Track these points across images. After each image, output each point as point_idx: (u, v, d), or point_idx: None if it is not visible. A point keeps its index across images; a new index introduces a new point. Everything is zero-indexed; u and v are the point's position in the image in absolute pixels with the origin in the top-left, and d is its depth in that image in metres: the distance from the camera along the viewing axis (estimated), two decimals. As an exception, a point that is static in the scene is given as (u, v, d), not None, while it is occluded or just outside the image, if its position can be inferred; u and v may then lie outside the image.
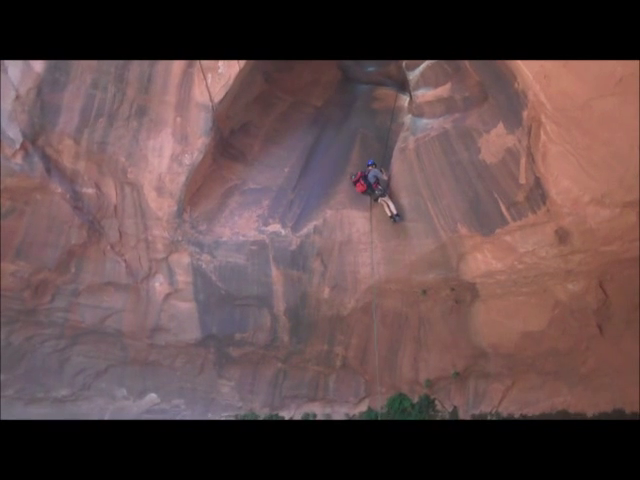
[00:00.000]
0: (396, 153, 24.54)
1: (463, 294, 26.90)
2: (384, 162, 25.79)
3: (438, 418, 30.62)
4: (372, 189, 24.73)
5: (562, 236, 22.16)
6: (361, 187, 24.87)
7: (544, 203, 21.40)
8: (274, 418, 32.55)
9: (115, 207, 27.30)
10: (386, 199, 24.90)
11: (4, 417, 30.70)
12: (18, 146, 24.61)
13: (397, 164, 24.48)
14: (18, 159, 24.73)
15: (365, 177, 24.72)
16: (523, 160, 20.96)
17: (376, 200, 25.22)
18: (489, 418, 29.21)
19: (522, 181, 21.37)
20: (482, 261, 24.69)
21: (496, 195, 22.36)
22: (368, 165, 25.07)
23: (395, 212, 24.91)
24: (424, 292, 27.42)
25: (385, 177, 24.85)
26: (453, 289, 27.00)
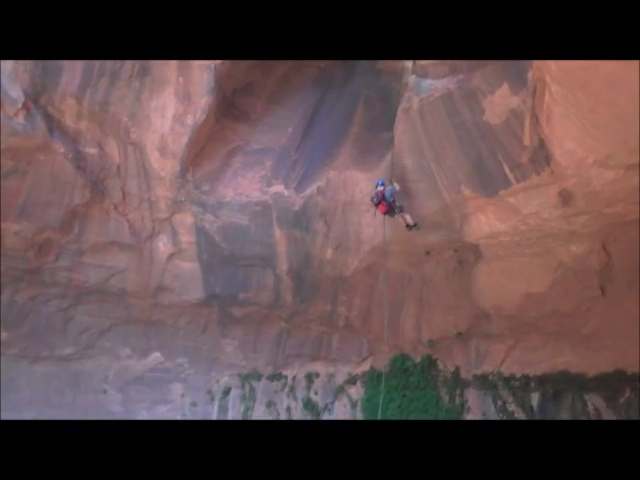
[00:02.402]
0: (400, 114, 24.28)
1: (466, 255, 26.92)
2: (389, 123, 25.63)
3: (440, 378, 30.84)
4: (392, 208, 24.43)
5: (566, 198, 22.05)
6: (383, 208, 24.37)
7: (548, 165, 21.23)
8: (277, 377, 32.83)
9: (118, 167, 27.20)
10: (404, 213, 24.74)
11: (10, 375, 31.03)
12: (20, 106, 24.47)
13: (401, 125, 24.24)
14: (20, 119, 24.62)
15: (384, 197, 24.31)
16: (527, 121, 20.75)
17: (393, 216, 25.01)
18: (491, 378, 29.42)
19: (526, 142, 21.18)
20: (485, 222, 24.61)
21: (500, 156, 22.19)
22: (378, 186, 24.41)
23: (412, 222, 24.80)
24: (427, 253, 27.43)
25: (398, 188, 24.50)
26: (456, 250, 27.01)
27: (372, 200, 24.30)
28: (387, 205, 24.15)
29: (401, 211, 24.47)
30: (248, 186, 27.67)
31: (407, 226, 24.93)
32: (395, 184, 24.15)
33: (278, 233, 27.99)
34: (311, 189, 27.04)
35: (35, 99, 24.99)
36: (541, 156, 21.15)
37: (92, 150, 26.58)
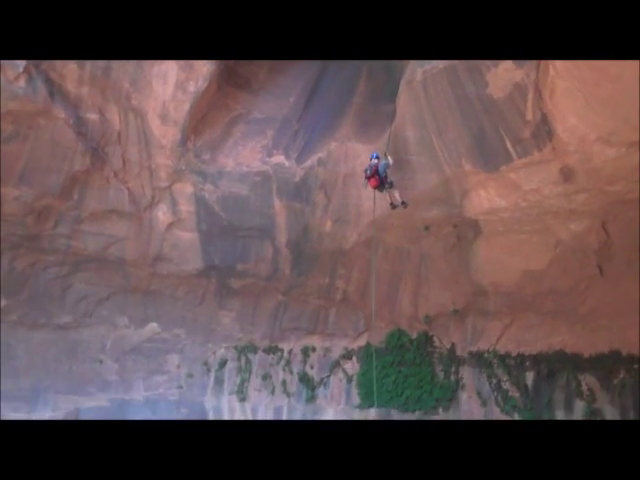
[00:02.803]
0: (403, 85, 24.14)
1: (465, 231, 26.92)
2: (392, 94, 25.52)
3: (436, 354, 30.92)
4: (383, 182, 24.19)
5: (567, 174, 22.03)
6: (375, 182, 24.01)
7: (550, 140, 21.18)
8: (273, 350, 32.90)
9: (119, 134, 27.05)
10: (393, 190, 24.51)
11: (8, 341, 31.08)
12: (21, 69, 24.27)
13: (403, 97, 24.11)
14: (21, 82, 24.46)
15: (377, 170, 23.99)
16: (530, 96, 20.66)
17: (382, 191, 24.77)
18: (486, 356, 29.50)
19: (529, 117, 21.11)
20: (485, 198, 24.59)
21: (502, 131, 22.10)
22: (372, 158, 23.94)
23: (400, 201, 24.59)
24: (426, 228, 27.44)
25: (391, 162, 24.19)
26: (455, 226, 27.00)
27: (365, 172, 24.02)
28: (379, 179, 23.91)
29: (391, 187, 24.19)
30: (249, 156, 27.59)
31: (392, 204, 24.73)
32: (389, 157, 23.80)
33: (278, 204, 27.96)
34: (312, 160, 26.96)
35: (36, 63, 24.79)
36: (543, 131, 21.11)
37: (93, 116, 26.42)
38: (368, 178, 23.90)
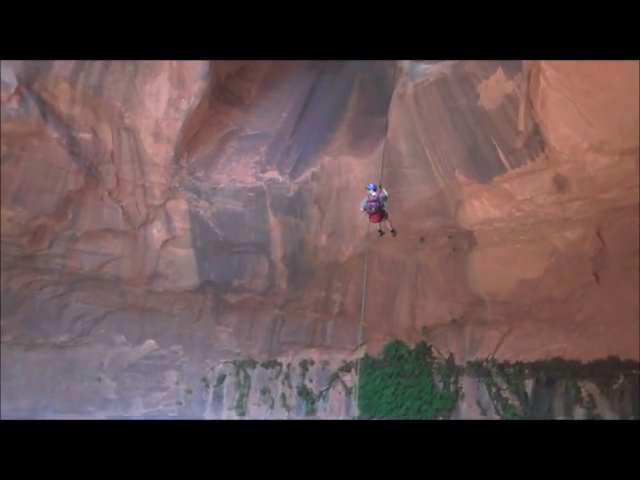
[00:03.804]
0: (394, 99, 24.23)
1: (460, 242, 26.96)
2: (384, 108, 25.56)
3: (435, 365, 30.91)
4: (383, 215, 23.57)
5: (560, 183, 22.10)
6: (377, 218, 23.30)
7: (543, 150, 21.29)
8: (272, 364, 32.88)
9: (112, 153, 27.05)
10: (386, 220, 24.04)
11: (5, 362, 30.99)
12: (13, 90, 24.27)
13: (395, 110, 24.20)
14: (14, 104, 24.45)
15: (379, 205, 23.23)
16: (522, 106, 20.78)
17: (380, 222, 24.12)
18: (485, 365, 29.50)
19: (521, 128, 21.22)
20: (480, 208, 24.68)
21: (494, 142, 22.22)
22: (369, 189, 22.60)
23: (391, 228, 24.30)
24: (422, 239, 27.47)
25: (387, 194, 23.66)
26: (451, 237, 27.05)
27: (368, 209, 22.73)
28: (380, 213, 23.40)
29: (386, 218, 23.62)
30: (242, 172, 27.63)
31: (380, 232, 24.48)
32: (385, 190, 23.24)
33: (272, 219, 27.99)
34: (305, 175, 27.00)
35: (28, 84, 24.78)
36: (536, 141, 21.21)
37: (86, 135, 26.44)
38: (371, 215, 23.26)
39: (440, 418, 30.57)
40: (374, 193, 22.17)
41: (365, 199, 22.28)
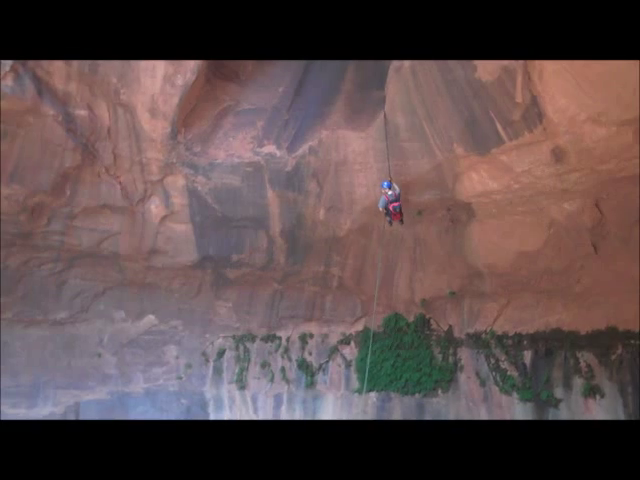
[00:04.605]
0: (391, 72, 24.02)
1: (459, 214, 26.96)
2: (381, 81, 25.44)
3: (433, 337, 31.05)
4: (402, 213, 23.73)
5: (558, 155, 22.05)
6: (399, 216, 23.56)
7: (540, 122, 21.18)
8: (271, 338, 33.02)
9: (108, 129, 26.89)
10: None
11: (5, 339, 31.10)
12: (8, 68, 24.11)
13: (392, 83, 24.02)
14: (9, 81, 24.26)
15: (398, 206, 23.09)
16: (519, 78, 20.59)
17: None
18: (484, 337, 29.63)
19: (518, 100, 21.06)
20: (478, 181, 24.63)
21: (492, 114, 22.09)
22: (384, 188, 23.15)
23: (401, 218, 24.31)
24: (420, 213, 27.46)
25: (398, 188, 23.68)
26: (449, 209, 27.08)
27: (393, 210, 23.02)
28: (400, 211, 23.42)
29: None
30: (239, 147, 27.53)
31: (390, 222, 24.60)
32: (395, 185, 23.44)
33: (270, 194, 27.94)
34: (303, 149, 26.86)
35: (23, 61, 24.64)
36: (533, 113, 21.09)
37: (82, 112, 26.26)
38: (394, 215, 23.17)
39: (439, 390, 30.75)
40: (390, 192, 22.05)
41: (383, 199, 22.18)
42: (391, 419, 31.14)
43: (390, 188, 22.45)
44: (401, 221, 24.50)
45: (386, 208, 22.41)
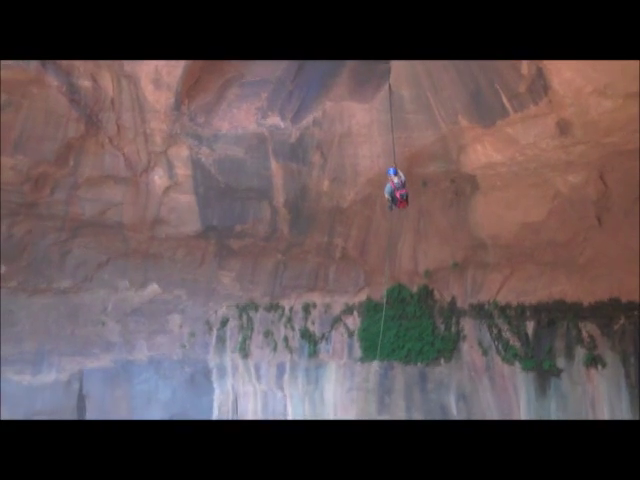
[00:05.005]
0: (397, 43, 24.03)
1: (463, 186, 26.99)
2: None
3: (436, 307, 31.16)
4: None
5: (563, 127, 22.05)
6: (405, 204, 22.34)
7: (546, 94, 21.18)
8: (274, 307, 33.13)
9: (112, 100, 26.82)
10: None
11: (9, 308, 31.23)
12: (12, 39, 24.11)
13: (398, 55, 24.03)
14: (12, 51, 24.28)
15: (404, 192, 22.45)
16: (526, 50, 20.60)
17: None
18: (487, 307, 29.72)
19: (524, 71, 21.04)
20: (482, 153, 24.64)
21: (497, 86, 22.05)
22: (391, 175, 21.90)
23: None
24: (424, 184, 27.48)
25: (403, 176, 22.97)
26: (453, 181, 27.08)
27: (400, 197, 21.94)
28: (406, 199, 22.77)
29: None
30: (243, 118, 27.47)
31: (390, 207, 23.15)
32: (401, 173, 22.27)
33: (274, 165, 27.95)
34: (307, 120, 26.86)
35: (27, 32, 24.57)
36: (539, 85, 21.07)
37: (86, 83, 26.19)
38: (400, 202, 22.23)
39: (442, 359, 30.92)
40: (397, 179, 21.66)
41: (389, 186, 21.65)
42: (393, 390, 31.35)
43: (396, 175, 22.06)
44: (391, 207, 23.39)
45: (391, 195, 21.98)
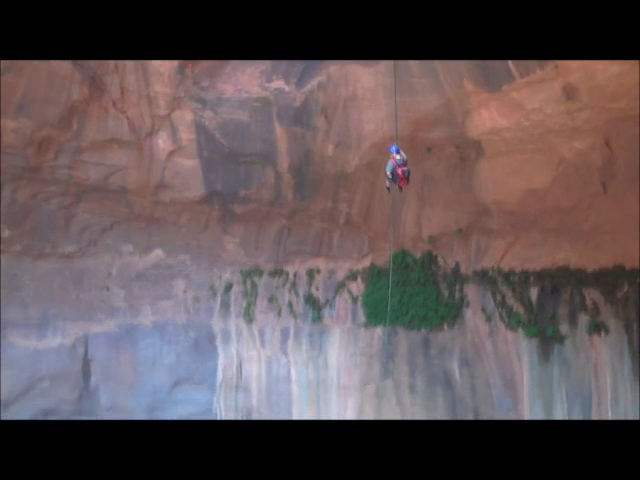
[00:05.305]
0: (402, 7, 23.81)
1: (468, 151, 26.84)
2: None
3: (440, 273, 31.14)
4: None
5: (569, 92, 21.90)
6: (406, 181, 22.34)
7: (552, 59, 21.00)
8: (278, 273, 33.15)
9: (116, 63, 26.70)
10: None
11: (14, 272, 31.34)
12: (15, 1, 23.93)
13: (403, 18, 23.83)
14: (16, 13, 24.11)
15: (405, 170, 21.91)
16: (532, 14, 20.40)
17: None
18: (490, 274, 29.69)
19: (531, 35, 20.87)
20: (488, 118, 24.52)
21: (504, 50, 21.89)
22: (392, 153, 20.95)
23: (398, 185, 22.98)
24: (428, 149, 27.36)
25: (404, 155, 22.42)
26: (458, 146, 26.93)
27: (402, 174, 20.93)
28: (407, 176, 22.26)
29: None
30: (248, 82, 27.32)
31: (388, 188, 22.63)
32: (402, 152, 21.21)
33: (278, 129, 27.84)
34: (312, 84, 26.70)
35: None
36: (545, 49, 20.85)
37: (89, 45, 26.12)
38: (401, 180, 22.07)
39: (445, 325, 30.96)
40: (399, 156, 21.30)
41: (391, 162, 21.22)
42: (397, 355, 31.45)
43: (398, 153, 21.69)
44: (401, 188, 23.02)
45: (392, 172, 21.58)
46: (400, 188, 21.85)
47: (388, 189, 22.39)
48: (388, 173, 21.07)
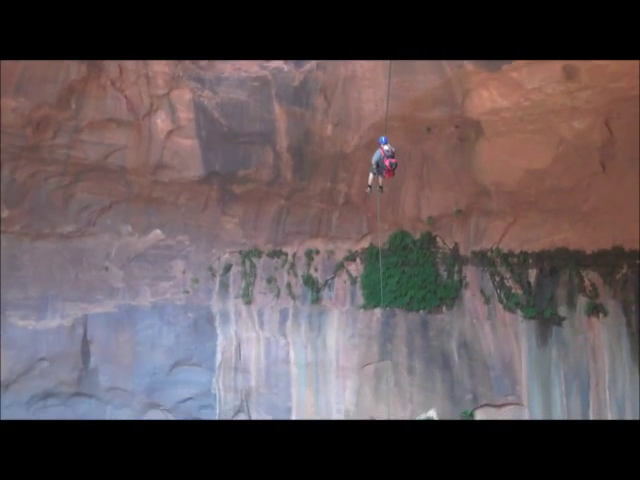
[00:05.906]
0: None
1: (467, 132, 26.75)
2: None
3: (439, 254, 31.10)
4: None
5: (570, 72, 21.81)
6: (392, 174, 21.86)
7: (553, 37, 20.88)
8: (277, 254, 33.11)
9: (114, 42, 26.68)
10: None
11: (13, 252, 31.36)
12: (10, -23, 23.79)
13: (402, -3, 23.70)
14: (13, -8, 23.98)
15: (393, 162, 21.44)
16: (533, -8, 20.28)
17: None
18: (489, 255, 29.65)
19: (531, 15, 20.76)
20: (487, 98, 24.43)
21: (504, 29, 21.78)
22: (381, 144, 20.18)
23: (381, 184, 22.69)
24: (428, 129, 27.24)
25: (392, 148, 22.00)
26: (457, 126, 26.83)
27: (392, 167, 20.14)
28: (394, 169, 21.79)
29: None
30: (246, 61, 27.20)
31: (369, 187, 21.95)
32: (390, 145, 21.52)
33: (277, 109, 27.76)
34: (311, 63, 26.56)
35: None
36: (546, 29, 20.74)
37: (87, 23, 26.00)
38: (388, 171, 21.64)
39: (444, 306, 30.95)
40: (387, 147, 20.98)
41: (379, 152, 20.85)
42: (395, 336, 31.44)
43: (387, 144, 21.28)
44: (381, 188, 22.53)
45: (378, 163, 21.19)
46: (381, 188, 21.71)
47: (369, 188, 21.88)
48: (373, 163, 20.69)
